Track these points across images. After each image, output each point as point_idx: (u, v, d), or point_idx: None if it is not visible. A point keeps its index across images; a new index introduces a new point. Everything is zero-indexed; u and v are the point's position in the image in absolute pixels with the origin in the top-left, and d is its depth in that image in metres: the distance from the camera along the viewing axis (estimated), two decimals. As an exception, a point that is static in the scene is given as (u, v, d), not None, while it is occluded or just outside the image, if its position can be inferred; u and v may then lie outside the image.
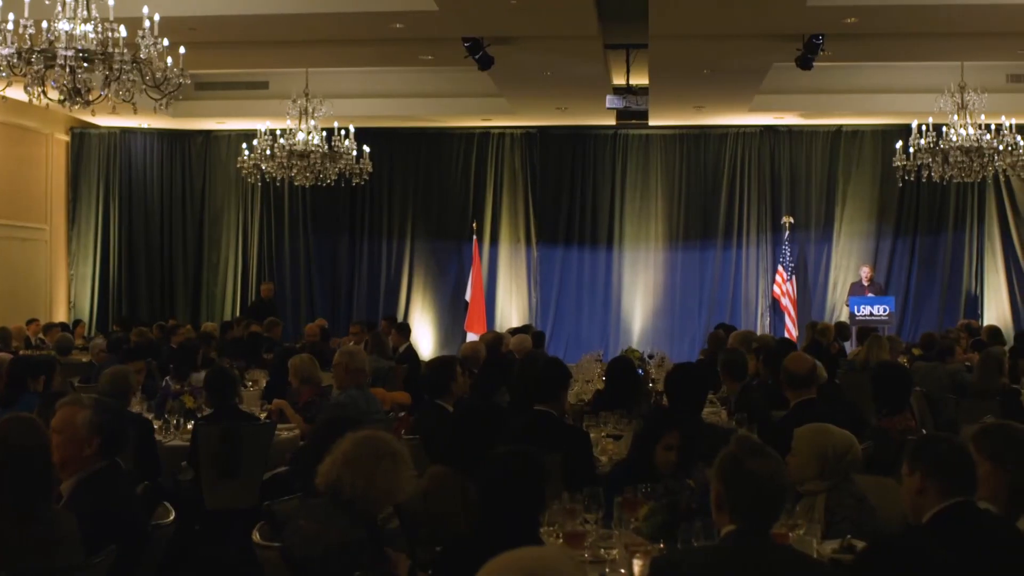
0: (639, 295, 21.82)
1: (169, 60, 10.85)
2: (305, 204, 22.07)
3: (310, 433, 6.21)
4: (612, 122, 19.66)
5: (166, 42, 10.70)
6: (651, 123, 19.72)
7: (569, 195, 22.00)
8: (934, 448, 4.73)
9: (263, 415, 9.82)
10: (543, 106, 19.65)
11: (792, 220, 20.98)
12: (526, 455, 4.76)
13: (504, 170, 22.05)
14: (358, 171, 17.55)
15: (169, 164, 22.40)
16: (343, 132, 17.17)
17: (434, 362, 9.31)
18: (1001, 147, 16.27)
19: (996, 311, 21.08)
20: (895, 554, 3.41)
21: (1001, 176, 18.11)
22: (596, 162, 21.92)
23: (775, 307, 21.06)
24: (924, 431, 8.81)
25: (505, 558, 2.71)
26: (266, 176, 17.51)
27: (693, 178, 21.81)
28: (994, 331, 15.92)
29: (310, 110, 16.84)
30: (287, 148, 16.89)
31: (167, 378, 10.97)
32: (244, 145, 17.58)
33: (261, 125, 17.25)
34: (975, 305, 21.22)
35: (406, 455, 4.99)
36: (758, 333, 16.29)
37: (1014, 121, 16.42)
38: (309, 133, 16.88)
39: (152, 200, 22.35)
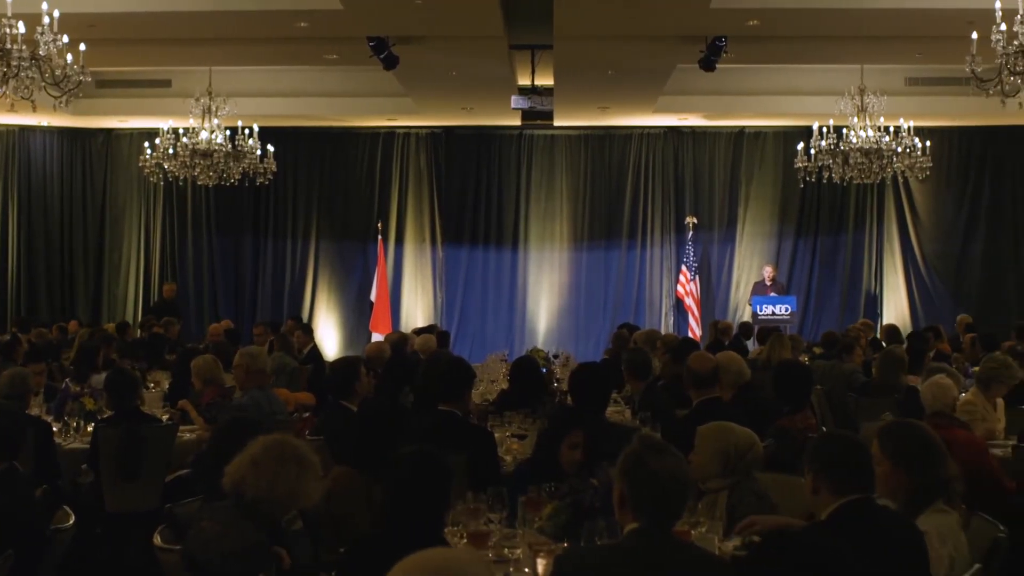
0: (544, 295, 21.88)
1: (69, 57, 10.71)
2: (208, 204, 21.86)
3: (212, 435, 6.14)
4: (517, 122, 19.69)
5: (65, 39, 10.56)
6: (556, 123, 19.78)
7: (474, 195, 22.01)
8: (826, 447, 4.80)
9: (165, 416, 9.72)
10: (448, 106, 19.63)
11: (696, 220, 21.15)
12: (430, 455, 4.75)
13: (409, 170, 21.99)
14: (262, 170, 17.42)
15: (69, 163, 22.03)
16: (247, 131, 17.04)
17: (338, 363, 9.28)
18: (900, 149, 16.52)
19: (895, 310, 21.42)
20: (789, 547, 3.44)
21: (900, 177, 18.41)
22: (501, 162, 21.95)
23: (679, 307, 21.22)
24: (824, 429, 8.91)
25: (416, 559, 2.71)
26: (168, 175, 17.34)
27: (598, 178, 21.91)
28: (892, 330, 16.16)
29: (213, 109, 16.68)
30: (190, 147, 16.73)
31: (67, 380, 10.83)
32: (146, 144, 17.41)
33: (163, 124, 17.08)
34: (875, 304, 21.55)
35: (314, 462, 4.95)
36: (662, 333, 16.39)
37: (912, 123, 16.68)
38: (212, 132, 16.72)
39: (52, 199, 21.96)
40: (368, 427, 6.14)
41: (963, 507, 5.36)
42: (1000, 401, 9.19)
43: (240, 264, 22.11)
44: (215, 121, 16.72)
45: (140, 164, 17.63)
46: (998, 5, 9.92)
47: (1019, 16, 9.83)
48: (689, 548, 4.44)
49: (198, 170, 16.99)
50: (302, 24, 14.05)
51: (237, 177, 17.34)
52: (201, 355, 10.34)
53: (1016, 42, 9.97)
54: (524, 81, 17.10)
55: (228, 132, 16.93)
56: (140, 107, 19.70)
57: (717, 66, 15.23)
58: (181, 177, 17.51)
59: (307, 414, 10.02)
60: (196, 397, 9.72)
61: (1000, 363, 9.24)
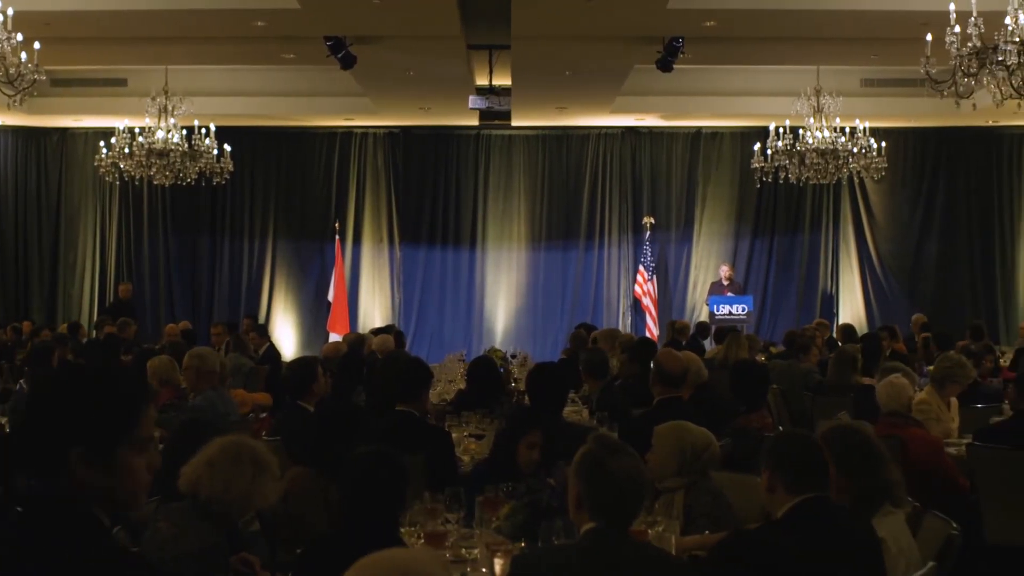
0: (502, 295, 21.89)
1: (23, 55, 10.63)
2: (164, 203, 21.73)
3: (167, 436, 6.11)
4: (475, 122, 19.69)
5: (20, 37, 10.50)
6: (514, 123, 19.77)
7: (432, 195, 22.00)
8: (782, 447, 4.83)
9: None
10: (406, 106, 19.61)
11: (653, 220, 21.21)
12: (386, 456, 4.75)
13: (367, 170, 21.95)
14: (219, 170, 17.34)
15: (24, 162, 21.87)
16: (203, 130, 16.97)
17: (295, 363, 9.24)
18: (855, 149, 16.64)
19: (851, 310, 21.56)
20: (747, 545, 3.46)
21: (856, 178, 18.52)
22: (459, 162, 21.94)
23: (636, 307, 21.28)
24: (780, 428, 8.95)
25: (372, 559, 2.69)
26: (124, 175, 17.23)
27: (555, 179, 21.93)
28: (848, 330, 16.25)
29: (170, 108, 16.59)
30: (146, 146, 16.63)
31: (21, 380, 10.75)
32: (102, 143, 17.29)
33: (119, 123, 16.96)
34: (831, 304, 21.68)
35: (271, 463, 4.93)
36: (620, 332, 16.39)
37: (868, 124, 16.80)
38: (169, 131, 16.63)
39: (6, 199, 21.80)
40: (324, 427, 6.13)
41: (915, 504, 5.40)
42: (954, 400, 9.26)
43: (197, 264, 21.99)
44: (171, 120, 16.63)
45: (96, 164, 17.51)
46: (952, 7, 9.99)
47: (973, 18, 9.90)
48: (645, 548, 4.45)
49: (154, 170, 16.90)
50: (259, 23, 14.00)
51: (193, 177, 17.25)
52: (157, 356, 10.28)
53: (970, 44, 10.04)
54: (482, 81, 17.11)
55: (184, 131, 16.85)
56: (96, 106, 19.56)
57: (674, 67, 15.30)
58: (137, 177, 17.41)
59: (264, 414, 9.98)
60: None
61: (954, 363, 9.30)
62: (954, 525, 5.28)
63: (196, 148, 16.91)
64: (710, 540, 4.78)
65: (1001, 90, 10.19)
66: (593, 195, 21.87)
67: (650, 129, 21.65)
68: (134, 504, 3.09)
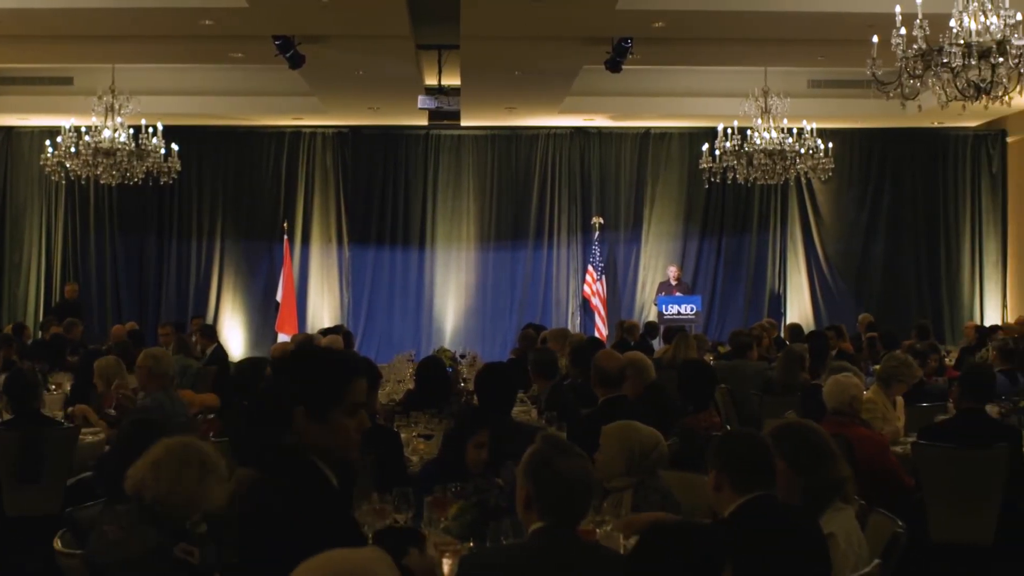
0: (451, 295, 21.88)
1: (-33, 54, 10.54)
2: (111, 203, 21.56)
3: (114, 438, 6.07)
4: (424, 122, 19.64)
5: (-37, 35, 10.40)
6: (463, 123, 19.75)
7: (381, 195, 21.95)
8: (729, 445, 4.85)
9: (60, 416, 9.59)
10: (355, 106, 19.57)
11: (602, 221, 21.26)
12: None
13: (316, 170, 21.88)
14: (166, 170, 17.21)
15: (-32, 161, 21.68)
16: (151, 130, 16.84)
17: (242, 363, 9.22)
18: (803, 150, 16.74)
19: (798, 310, 21.70)
20: (666, 540, 3.47)
21: (803, 179, 18.64)
22: (408, 162, 21.91)
23: (585, 307, 21.31)
24: (728, 427, 8.99)
25: (320, 560, 2.69)
26: (71, 174, 17.06)
27: (505, 179, 21.95)
28: (796, 329, 16.35)
29: (116, 107, 16.45)
30: (92, 146, 16.47)
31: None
32: (48, 142, 17.10)
33: (65, 122, 16.79)
34: (778, 304, 21.81)
35: (218, 464, 4.90)
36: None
37: (815, 125, 16.91)
38: (115, 130, 16.50)
39: (-50, 198, 21.61)
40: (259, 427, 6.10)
41: (861, 502, 5.44)
42: (900, 399, 9.34)
43: (144, 264, 21.83)
44: (118, 119, 16.49)
45: (41, 163, 17.33)
46: (898, 9, 10.06)
47: (918, 21, 9.98)
48: (594, 548, 4.47)
49: (101, 169, 16.76)
50: (207, 22, 13.92)
51: (141, 176, 17.12)
52: (104, 356, 10.20)
53: (915, 46, 10.12)
54: (431, 81, 17.09)
55: (131, 131, 16.72)
56: (41, 105, 19.40)
57: (623, 67, 15.36)
58: (83, 176, 17.25)
59: (211, 416, 9.92)
60: (99, 399, 9.59)
61: (900, 362, 9.38)
62: (899, 523, 5.32)
63: (143, 147, 16.78)
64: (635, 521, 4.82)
65: (946, 92, 10.28)
66: (542, 195, 21.90)
67: (599, 129, 21.70)
68: (346, 456, 3.96)
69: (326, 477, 3.85)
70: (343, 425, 3.86)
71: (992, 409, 8.77)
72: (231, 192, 21.82)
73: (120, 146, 16.54)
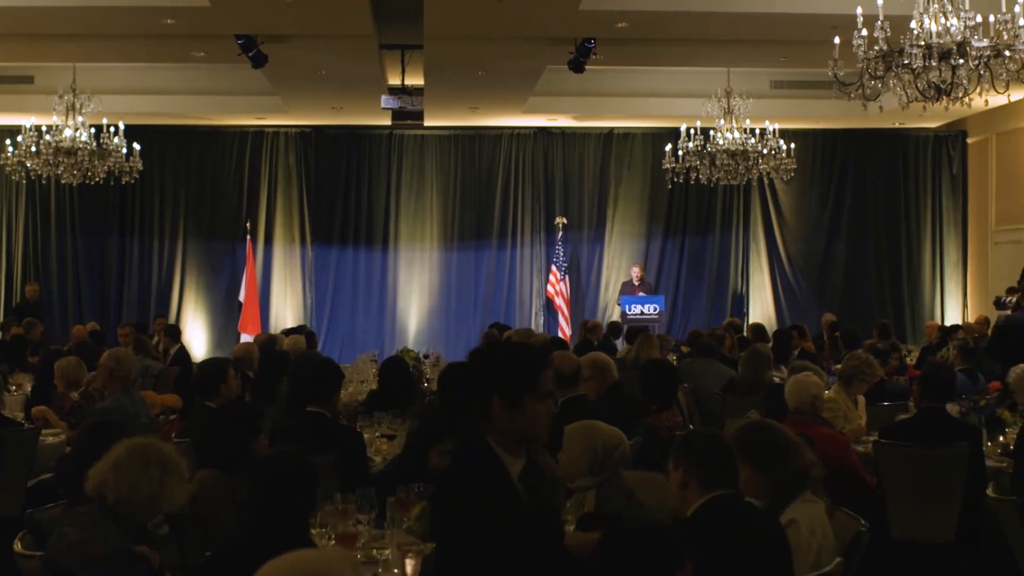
0: (414, 295, 21.85)
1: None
2: (72, 203, 21.41)
3: (74, 438, 6.04)
4: (387, 122, 19.63)
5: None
6: (426, 123, 19.77)
7: (344, 195, 21.89)
8: (694, 444, 4.86)
9: (21, 417, 9.53)
10: (318, 105, 19.52)
11: (565, 220, 21.28)
12: (295, 456, 4.73)
13: (279, 169, 21.80)
14: (128, 169, 17.12)
15: (-73, 160, 21.47)
16: (112, 129, 16.74)
17: (204, 364, 9.17)
18: (765, 151, 16.80)
19: (761, 309, 21.78)
20: (629, 539, 3.49)
21: (765, 179, 18.69)
22: (371, 162, 21.86)
23: (549, 306, 21.32)
24: (691, 427, 9.02)
25: (282, 561, 2.68)
26: (31, 174, 16.93)
27: (468, 179, 21.93)
28: (759, 329, 16.40)
29: (78, 106, 16.36)
30: (53, 145, 16.36)
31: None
32: (8, 141, 16.99)
33: (26, 121, 16.68)
34: (741, 304, 21.88)
35: (179, 465, 4.87)
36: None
37: (777, 126, 16.97)
38: (77, 130, 16.40)
39: (-91, 198, 21.41)
40: (230, 427, 6.08)
41: (829, 500, 5.47)
42: (861, 398, 9.39)
43: (105, 265, 21.69)
44: (79, 118, 16.39)
45: (2, 162, 17.21)
46: (859, 11, 10.11)
47: (879, 22, 10.04)
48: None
49: (62, 168, 16.64)
50: (169, 21, 13.86)
51: (102, 176, 17.01)
52: (65, 357, 10.14)
53: (876, 47, 10.18)
54: (394, 81, 17.08)
55: (93, 130, 16.62)
56: (1, 103, 19.23)
57: (586, 68, 15.37)
58: (44, 176, 17.12)
59: (173, 416, 9.88)
60: (59, 400, 9.54)
61: (861, 361, 9.43)
62: (863, 522, 5.34)
63: (105, 147, 16.68)
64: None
65: (907, 93, 10.35)
66: (505, 195, 21.90)
67: (562, 130, 21.72)
68: (538, 439, 4.37)
69: (505, 465, 4.19)
70: (536, 411, 4.22)
71: (952, 408, 8.83)
72: (193, 192, 21.71)
73: (81, 145, 16.44)
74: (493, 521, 3.99)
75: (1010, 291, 16.41)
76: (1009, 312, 15.71)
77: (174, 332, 16.14)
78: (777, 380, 10.62)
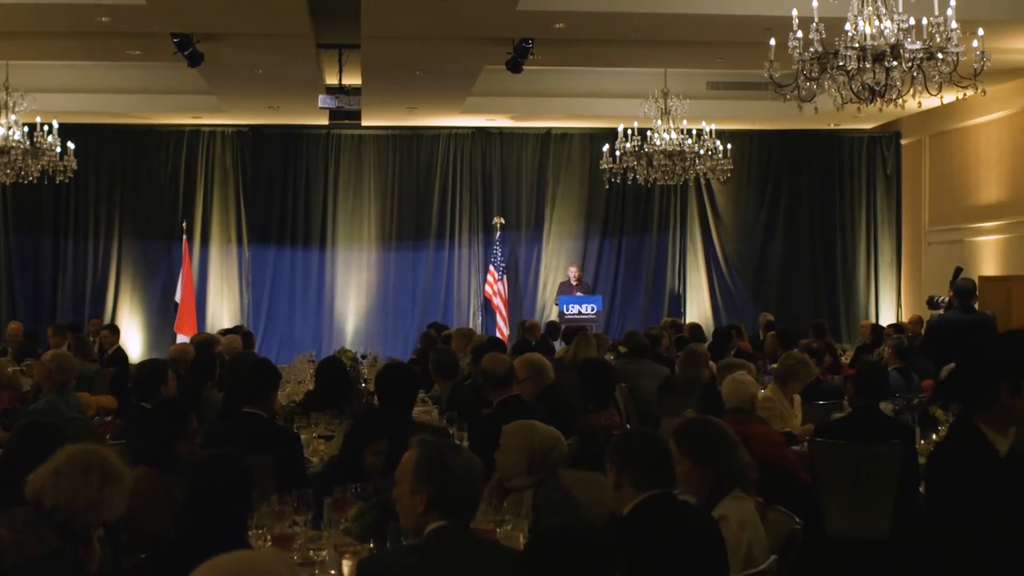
0: (352, 295, 21.80)
1: None
2: (5, 202, 21.16)
3: (8, 441, 5.97)
4: (325, 122, 19.54)
5: None
6: (364, 123, 19.70)
7: (281, 195, 21.80)
8: (628, 444, 4.89)
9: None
10: (255, 105, 19.42)
11: (503, 221, 21.30)
12: (230, 456, 4.71)
13: (215, 169, 21.68)
14: (62, 168, 16.95)
15: None
16: (46, 128, 16.58)
17: (144, 365, 9.11)
18: (702, 151, 16.89)
19: (698, 309, 21.90)
20: (556, 542, 3.51)
21: (702, 179, 18.84)
22: (309, 162, 21.79)
23: (487, 306, 21.34)
24: (628, 426, 9.05)
25: (218, 562, 2.67)
26: (-37, 173, 16.77)
27: (406, 178, 21.90)
28: (696, 328, 16.51)
29: (10, 104, 16.17)
30: (-14, 144, 16.22)
31: None
32: (-61, 140, 16.80)
33: (-42, 119, 16.52)
34: (678, 303, 21.99)
35: (123, 473, 4.82)
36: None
37: (714, 126, 17.07)
38: (9, 128, 16.22)
39: None
40: (163, 426, 6.05)
41: (759, 499, 5.51)
42: (796, 397, 9.47)
43: (39, 265, 21.47)
44: (12, 117, 16.21)
45: (-67, 161, 17.03)
46: (795, 13, 10.19)
47: (814, 24, 10.12)
48: (494, 545, 4.49)
49: (-6, 167, 16.49)
50: (104, 19, 13.73)
51: (36, 175, 16.83)
52: (-3, 357, 10.05)
53: (812, 49, 10.25)
54: (331, 80, 17.01)
55: (26, 128, 16.44)
56: (-67, 102, 19.02)
57: (524, 68, 15.39)
58: (-24, 175, 16.96)
59: (108, 417, 9.81)
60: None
61: (797, 360, 9.52)
62: (797, 520, 5.39)
63: (38, 146, 16.51)
64: None
65: (842, 94, 10.43)
66: (444, 195, 21.89)
67: (500, 130, 21.74)
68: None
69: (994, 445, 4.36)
70: None
71: (886, 407, 8.92)
72: (129, 191, 21.52)
73: (14, 144, 16.26)
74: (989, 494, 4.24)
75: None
76: (942, 312, 15.87)
77: (117, 331, 16.03)
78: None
